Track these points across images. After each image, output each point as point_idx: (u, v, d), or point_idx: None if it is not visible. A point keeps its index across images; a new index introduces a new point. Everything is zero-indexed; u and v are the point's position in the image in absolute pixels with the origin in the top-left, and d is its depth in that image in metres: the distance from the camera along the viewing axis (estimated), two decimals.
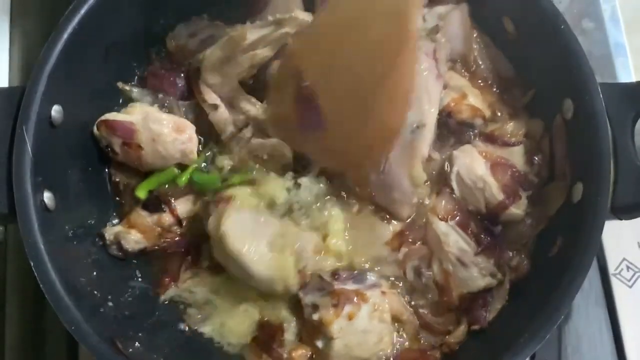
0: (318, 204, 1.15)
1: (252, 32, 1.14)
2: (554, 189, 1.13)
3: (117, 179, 1.23)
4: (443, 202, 1.16)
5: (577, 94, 1.08)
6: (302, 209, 1.13)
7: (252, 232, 1.08)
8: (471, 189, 1.15)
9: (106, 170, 1.24)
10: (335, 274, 1.11)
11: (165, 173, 1.20)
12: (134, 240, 1.16)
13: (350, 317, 1.07)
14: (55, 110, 1.10)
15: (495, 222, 1.16)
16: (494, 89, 1.25)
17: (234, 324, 1.15)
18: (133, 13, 1.20)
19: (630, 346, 1.29)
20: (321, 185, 1.15)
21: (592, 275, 1.33)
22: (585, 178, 1.06)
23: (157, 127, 1.17)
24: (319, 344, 1.08)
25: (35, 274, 1.01)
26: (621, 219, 1.07)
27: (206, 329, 1.16)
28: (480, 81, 1.25)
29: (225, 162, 1.21)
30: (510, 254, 1.15)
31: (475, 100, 1.20)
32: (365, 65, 1.02)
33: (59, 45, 1.09)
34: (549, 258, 1.10)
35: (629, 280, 1.34)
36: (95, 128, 1.18)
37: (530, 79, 1.22)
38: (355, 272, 1.13)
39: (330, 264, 1.13)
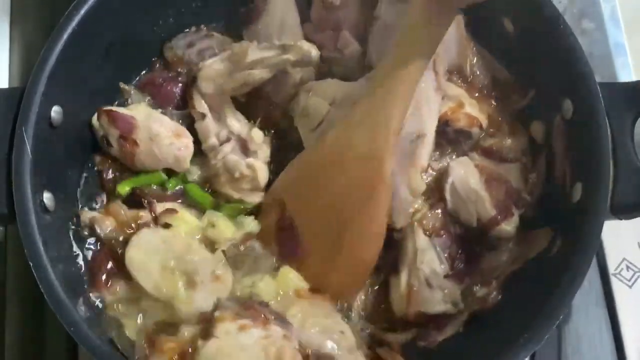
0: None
1: (254, 52, 1.15)
2: (540, 234, 1.13)
3: (104, 169, 1.21)
4: (433, 217, 1.16)
5: (577, 94, 1.08)
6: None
7: (153, 249, 1.11)
8: (464, 202, 1.15)
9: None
10: (266, 304, 1.09)
11: (152, 176, 1.20)
12: (108, 228, 1.15)
13: (241, 329, 1.03)
14: (55, 111, 1.10)
15: (483, 239, 1.16)
16: (492, 101, 1.25)
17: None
18: (133, 13, 1.20)
19: (630, 346, 1.29)
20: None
21: (592, 275, 1.33)
22: (584, 178, 1.06)
23: (157, 127, 1.17)
24: (200, 342, 1.04)
25: (35, 274, 1.01)
26: (621, 219, 1.07)
27: None
28: (477, 93, 1.24)
29: (195, 172, 1.22)
30: (478, 285, 1.14)
31: (472, 110, 1.20)
32: (340, 202, 1.11)
33: (59, 46, 1.09)
34: (549, 258, 1.10)
35: (629, 280, 1.34)
36: (95, 116, 1.18)
37: (529, 80, 1.22)
38: (287, 320, 1.09)
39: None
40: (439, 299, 1.12)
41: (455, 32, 1.24)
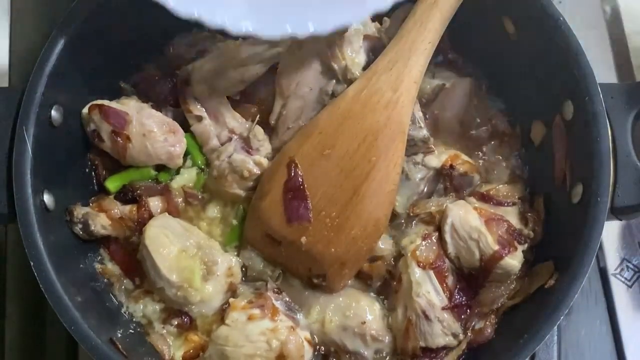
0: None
1: (245, 49, 1.15)
2: (542, 268, 1.10)
3: (97, 163, 1.21)
4: (427, 249, 1.13)
5: (577, 94, 1.08)
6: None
7: (174, 232, 1.13)
8: (466, 241, 1.12)
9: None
10: (280, 290, 1.14)
11: (140, 171, 1.19)
12: (101, 224, 1.14)
13: (249, 318, 1.07)
14: (55, 111, 1.10)
15: (486, 278, 1.12)
16: (484, 158, 1.26)
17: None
18: (133, 14, 1.20)
19: (630, 346, 1.30)
20: None
21: (592, 275, 1.34)
22: (585, 179, 1.06)
23: (150, 123, 1.16)
24: (214, 326, 1.12)
25: (35, 274, 1.01)
26: (621, 220, 1.07)
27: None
28: (476, 150, 1.26)
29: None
30: (477, 318, 1.12)
31: (468, 159, 1.22)
32: (357, 158, 1.11)
33: (59, 45, 1.09)
34: (549, 258, 1.10)
35: (629, 280, 1.34)
36: (86, 110, 1.16)
37: (530, 80, 1.22)
38: (296, 307, 1.13)
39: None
40: (438, 331, 1.09)
41: (464, 91, 1.27)
